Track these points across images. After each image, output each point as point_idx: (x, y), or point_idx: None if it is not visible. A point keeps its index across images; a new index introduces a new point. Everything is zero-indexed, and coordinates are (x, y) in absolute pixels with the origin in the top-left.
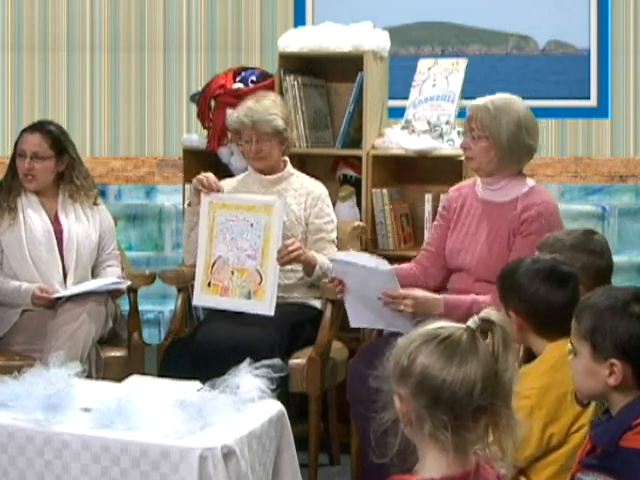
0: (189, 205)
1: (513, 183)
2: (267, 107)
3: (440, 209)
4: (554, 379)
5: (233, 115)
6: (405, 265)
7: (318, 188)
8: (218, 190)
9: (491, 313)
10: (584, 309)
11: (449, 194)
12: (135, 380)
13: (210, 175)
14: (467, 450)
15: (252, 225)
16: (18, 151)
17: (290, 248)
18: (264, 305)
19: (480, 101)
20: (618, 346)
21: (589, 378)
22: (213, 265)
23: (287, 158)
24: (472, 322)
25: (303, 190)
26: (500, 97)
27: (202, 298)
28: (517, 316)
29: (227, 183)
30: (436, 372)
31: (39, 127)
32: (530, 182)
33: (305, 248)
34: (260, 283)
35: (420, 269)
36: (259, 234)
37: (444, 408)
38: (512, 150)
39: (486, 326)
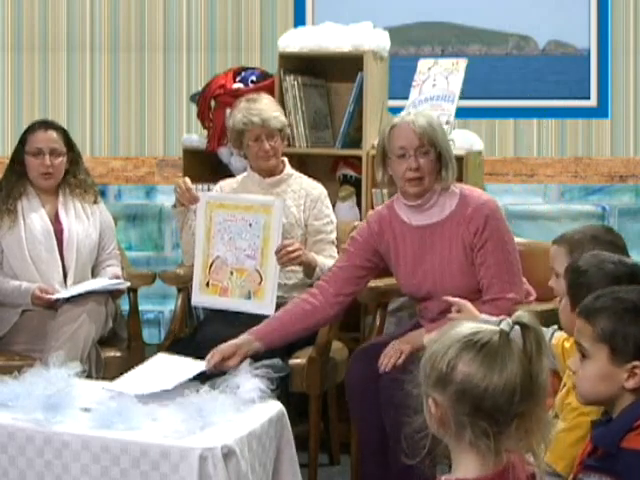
0: (174, 207)
1: (441, 199)
2: (269, 105)
3: (356, 235)
4: None
5: (235, 117)
6: (296, 302)
7: (317, 189)
8: (192, 201)
9: (523, 315)
10: (597, 311)
11: (370, 224)
12: (161, 358)
13: (187, 183)
14: (501, 451)
15: (251, 225)
16: (31, 150)
17: (289, 249)
18: (265, 305)
19: (410, 117)
20: None
21: (602, 382)
22: (211, 265)
23: (286, 159)
24: (505, 325)
25: (302, 192)
26: (416, 110)
27: (201, 298)
28: None
29: (227, 184)
30: (478, 381)
31: (50, 124)
32: (454, 188)
33: (305, 249)
34: (260, 283)
35: (323, 296)
36: (258, 234)
37: (485, 416)
38: (452, 158)
39: (519, 329)
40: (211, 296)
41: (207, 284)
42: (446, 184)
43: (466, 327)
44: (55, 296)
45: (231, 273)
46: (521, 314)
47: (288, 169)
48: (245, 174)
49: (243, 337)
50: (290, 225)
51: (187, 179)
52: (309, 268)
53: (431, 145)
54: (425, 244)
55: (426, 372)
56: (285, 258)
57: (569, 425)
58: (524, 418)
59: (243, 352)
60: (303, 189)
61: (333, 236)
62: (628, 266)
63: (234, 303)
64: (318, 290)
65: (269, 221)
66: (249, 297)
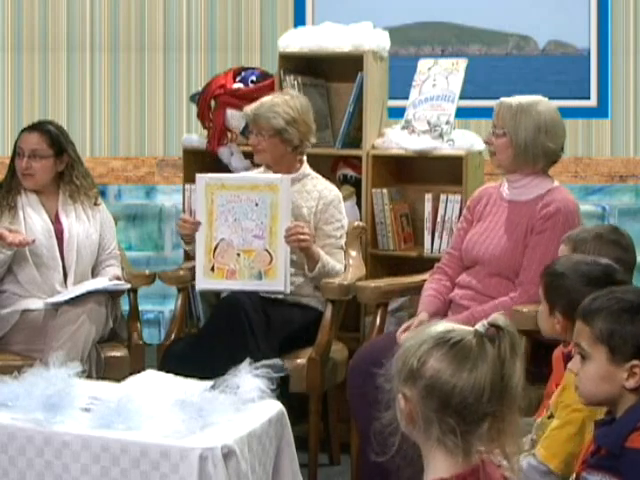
0: (182, 239)
1: (536, 182)
2: (274, 104)
3: (464, 212)
4: None
5: (247, 107)
6: (430, 292)
7: (331, 193)
8: (195, 229)
9: (499, 318)
10: (594, 312)
11: (474, 195)
12: (150, 375)
13: (184, 217)
14: (472, 451)
15: (257, 204)
16: (17, 150)
17: (300, 230)
18: (278, 283)
19: (508, 99)
20: None
21: (604, 383)
22: (215, 249)
23: (304, 158)
24: (481, 326)
25: (315, 194)
26: (528, 97)
27: (206, 284)
28: (564, 319)
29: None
30: (448, 377)
31: (38, 126)
32: (555, 183)
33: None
34: (271, 262)
35: (448, 280)
36: (266, 213)
37: (453, 413)
38: (527, 150)
39: (494, 331)
40: (217, 280)
41: (212, 269)
42: (516, 169)
43: (441, 326)
44: (57, 298)
45: (238, 255)
46: (497, 316)
47: (304, 169)
48: (261, 169)
49: (423, 315)
50: None
51: (182, 214)
52: (312, 260)
53: (503, 127)
54: (503, 217)
55: (398, 368)
56: (294, 237)
57: (562, 422)
58: (496, 419)
59: None
60: (317, 191)
61: (342, 241)
62: (602, 266)
63: (244, 284)
64: (442, 273)
65: (276, 200)
66: (260, 277)
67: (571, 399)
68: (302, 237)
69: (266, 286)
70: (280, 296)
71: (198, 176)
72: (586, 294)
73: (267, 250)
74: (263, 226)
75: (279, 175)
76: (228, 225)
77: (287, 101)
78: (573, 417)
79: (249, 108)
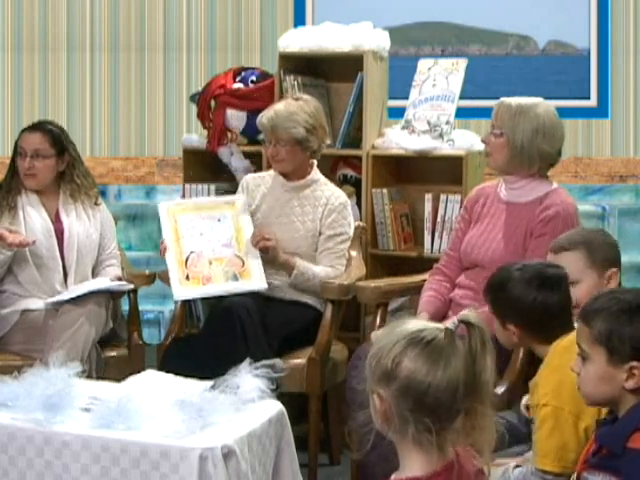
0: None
1: (534, 184)
2: (291, 113)
3: (462, 211)
4: (563, 375)
5: (261, 116)
6: (430, 293)
7: (338, 200)
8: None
9: (469, 315)
10: (594, 313)
11: (470, 195)
12: (150, 375)
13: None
14: (446, 446)
15: (219, 220)
16: (18, 150)
17: (265, 233)
18: (254, 281)
19: (508, 99)
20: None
21: (603, 383)
22: (187, 261)
23: (315, 162)
24: (451, 323)
25: (322, 200)
26: (528, 99)
27: (184, 292)
28: (517, 328)
29: (252, 178)
30: (422, 377)
31: (39, 126)
32: (554, 185)
33: (278, 247)
34: (243, 265)
35: (447, 281)
36: (229, 225)
37: (428, 412)
38: (523, 152)
39: (464, 328)
40: (195, 287)
41: (187, 278)
42: (511, 171)
43: (412, 324)
44: (58, 297)
45: (210, 263)
46: (467, 313)
47: (314, 174)
48: (271, 172)
49: (423, 315)
50: (299, 235)
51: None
52: (287, 266)
53: (501, 127)
54: (501, 218)
55: (372, 368)
56: (260, 236)
57: (538, 422)
58: (469, 415)
59: None
60: (324, 197)
61: (342, 247)
62: (532, 266)
63: (222, 287)
64: (441, 274)
65: (236, 214)
66: (236, 278)
67: (537, 399)
68: (267, 240)
69: (244, 286)
70: (279, 293)
71: (159, 205)
72: (529, 296)
73: (237, 255)
74: (229, 236)
75: (234, 196)
76: (195, 240)
77: (303, 107)
78: (544, 413)
79: (264, 117)
